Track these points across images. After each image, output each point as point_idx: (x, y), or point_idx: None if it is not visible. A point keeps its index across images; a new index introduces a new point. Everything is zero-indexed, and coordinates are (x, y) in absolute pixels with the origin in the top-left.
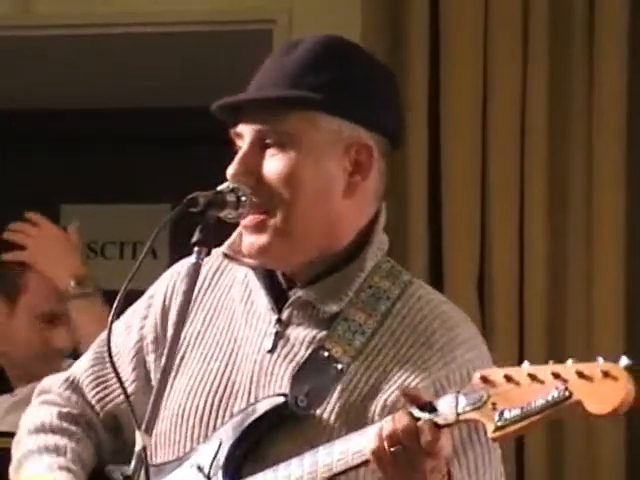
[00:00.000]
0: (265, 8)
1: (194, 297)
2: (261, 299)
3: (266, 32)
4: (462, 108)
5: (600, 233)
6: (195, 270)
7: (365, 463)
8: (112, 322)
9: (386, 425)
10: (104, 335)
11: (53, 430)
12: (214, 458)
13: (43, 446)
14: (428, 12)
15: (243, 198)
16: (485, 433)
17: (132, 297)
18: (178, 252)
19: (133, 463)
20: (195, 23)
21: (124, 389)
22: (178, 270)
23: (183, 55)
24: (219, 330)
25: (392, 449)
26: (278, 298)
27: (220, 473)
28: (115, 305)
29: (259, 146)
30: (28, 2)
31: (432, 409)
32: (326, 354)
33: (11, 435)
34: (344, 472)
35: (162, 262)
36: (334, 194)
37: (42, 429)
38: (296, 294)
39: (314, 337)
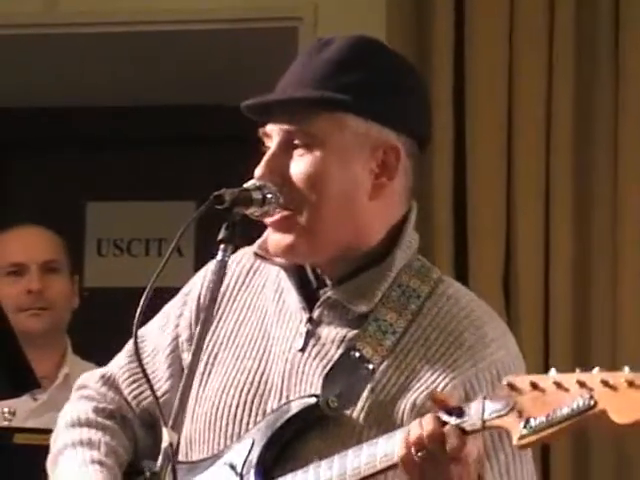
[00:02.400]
0: (291, 5)
1: (227, 296)
2: (292, 298)
3: (292, 30)
4: (487, 109)
5: (625, 233)
6: (221, 268)
7: (392, 467)
8: (138, 321)
9: (413, 430)
10: (140, 332)
11: (89, 424)
12: (247, 457)
13: (78, 440)
14: (453, 8)
15: (269, 196)
16: None
17: (158, 295)
18: (204, 249)
19: (160, 459)
20: (221, 21)
21: (152, 389)
22: (212, 267)
23: (208, 53)
24: (251, 329)
25: (419, 454)
26: (309, 297)
27: (252, 472)
28: (141, 303)
29: (287, 146)
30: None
31: (460, 414)
32: (357, 355)
33: (40, 432)
34: (372, 476)
35: (188, 259)
36: (359, 195)
37: (78, 423)
38: (326, 294)
39: (345, 336)
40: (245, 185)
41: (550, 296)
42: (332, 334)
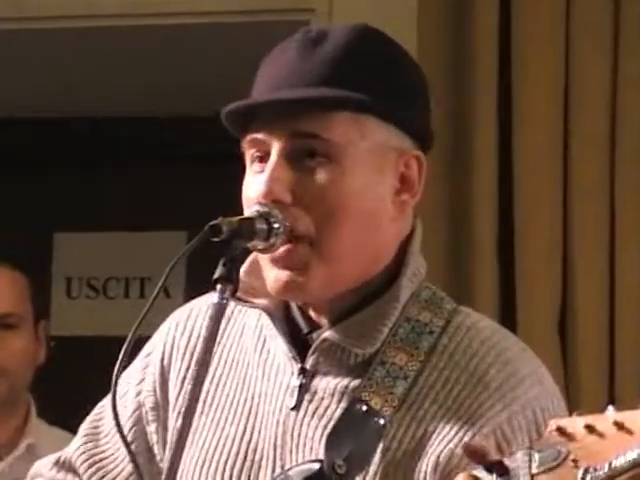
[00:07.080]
0: None
1: (196, 354)
2: (279, 347)
3: (303, 23)
4: (539, 126)
5: None
6: (218, 312)
7: None
8: (117, 377)
9: None
10: (93, 414)
11: None
12: None
13: None
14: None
15: (276, 225)
16: None
17: (141, 346)
18: (195, 290)
19: None
20: (224, 13)
21: (133, 458)
22: (175, 322)
23: (207, 50)
24: (233, 389)
25: None
26: (299, 344)
27: None
28: (120, 357)
29: (292, 157)
30: None
31: (502, 470)
32: (364, 407)
33: None
34: None
35: (176, 302)
36: (382, 216)
37: None
38: (321, 336)
39: (346, 387)
40: (247, 213)
41: (616, 341)
42: (331, 386)
